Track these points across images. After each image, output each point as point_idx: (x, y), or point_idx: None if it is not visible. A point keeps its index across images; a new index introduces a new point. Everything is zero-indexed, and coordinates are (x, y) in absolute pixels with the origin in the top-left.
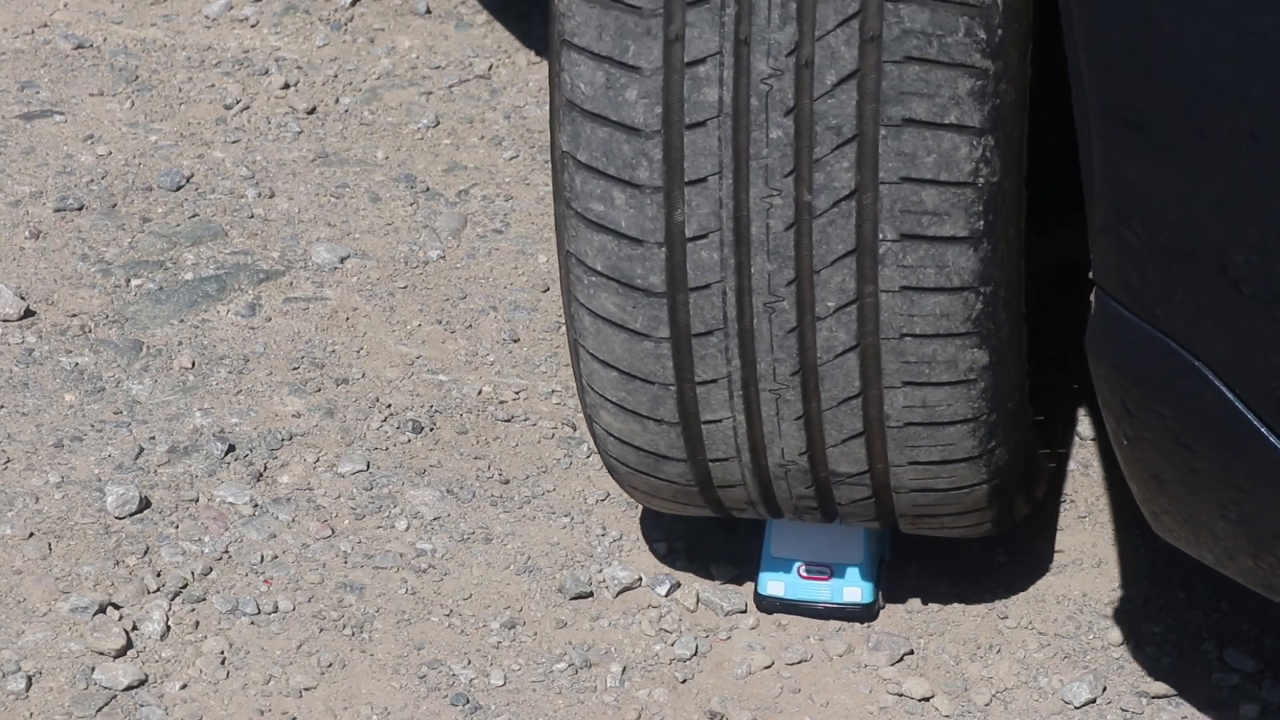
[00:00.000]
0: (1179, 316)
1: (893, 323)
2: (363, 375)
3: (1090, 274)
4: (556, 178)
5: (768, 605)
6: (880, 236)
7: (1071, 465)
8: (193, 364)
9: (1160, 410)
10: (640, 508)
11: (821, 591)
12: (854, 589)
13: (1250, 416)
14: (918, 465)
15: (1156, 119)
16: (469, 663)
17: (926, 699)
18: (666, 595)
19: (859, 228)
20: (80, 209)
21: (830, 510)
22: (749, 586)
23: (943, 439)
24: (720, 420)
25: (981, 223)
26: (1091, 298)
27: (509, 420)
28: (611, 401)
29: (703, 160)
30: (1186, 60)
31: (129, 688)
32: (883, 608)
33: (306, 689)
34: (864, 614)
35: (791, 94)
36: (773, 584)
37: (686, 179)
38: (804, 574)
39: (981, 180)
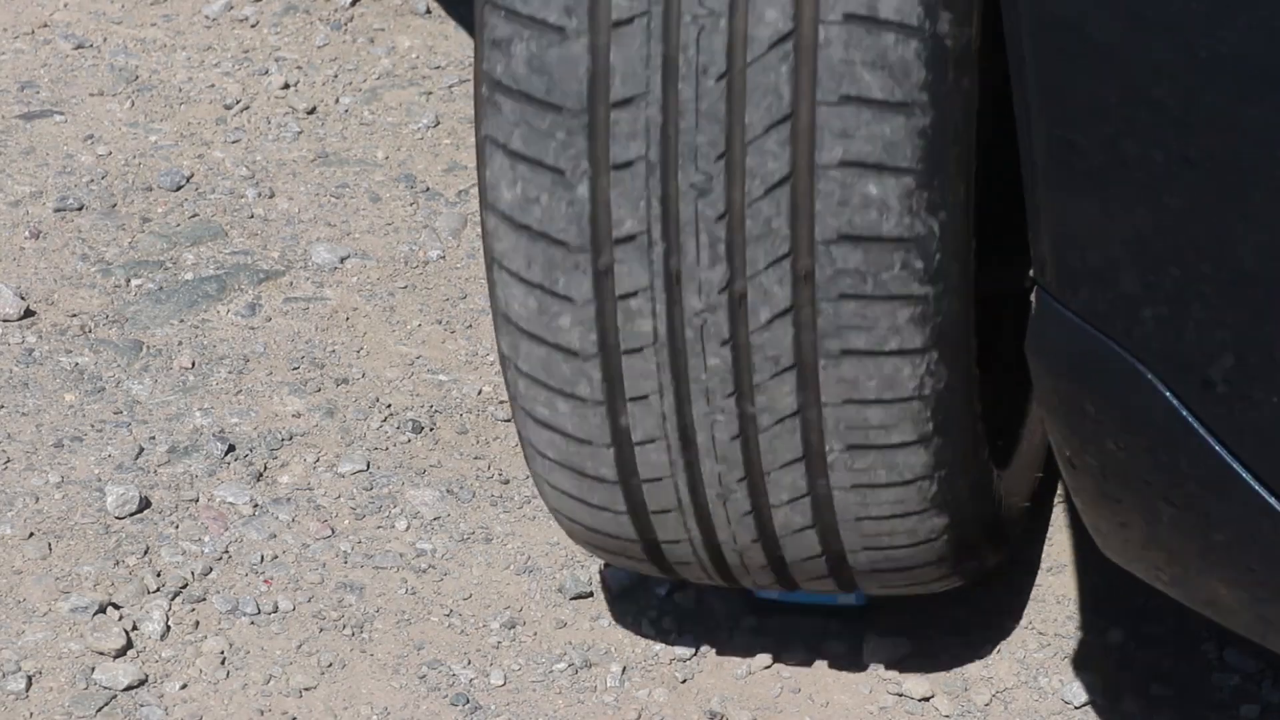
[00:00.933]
0: (1120, 316)
1: (848, 509)
2: (363, 375)
3: (1030, 273)
4: (503, 375)
5: (763, 606)
6: (828, 448)
7: None
8: (193, 364)
9: (1097, 409)
10: None
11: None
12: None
13: (1189, 417)
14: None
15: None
16: (469, 663)
17: (926, 699)
18: (666, 595)
19: (805, 440)
20: (80, 209)
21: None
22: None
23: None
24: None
25: (931, 425)
26: (1032, 297)
27: (509, 420)
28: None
29: (643, 381)
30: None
31: (129, 688)
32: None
33: (306, 689)
34: (859, 614)
35: (727, 327)
36: None
37: (628, 396)
38: None
39: (928, 390)
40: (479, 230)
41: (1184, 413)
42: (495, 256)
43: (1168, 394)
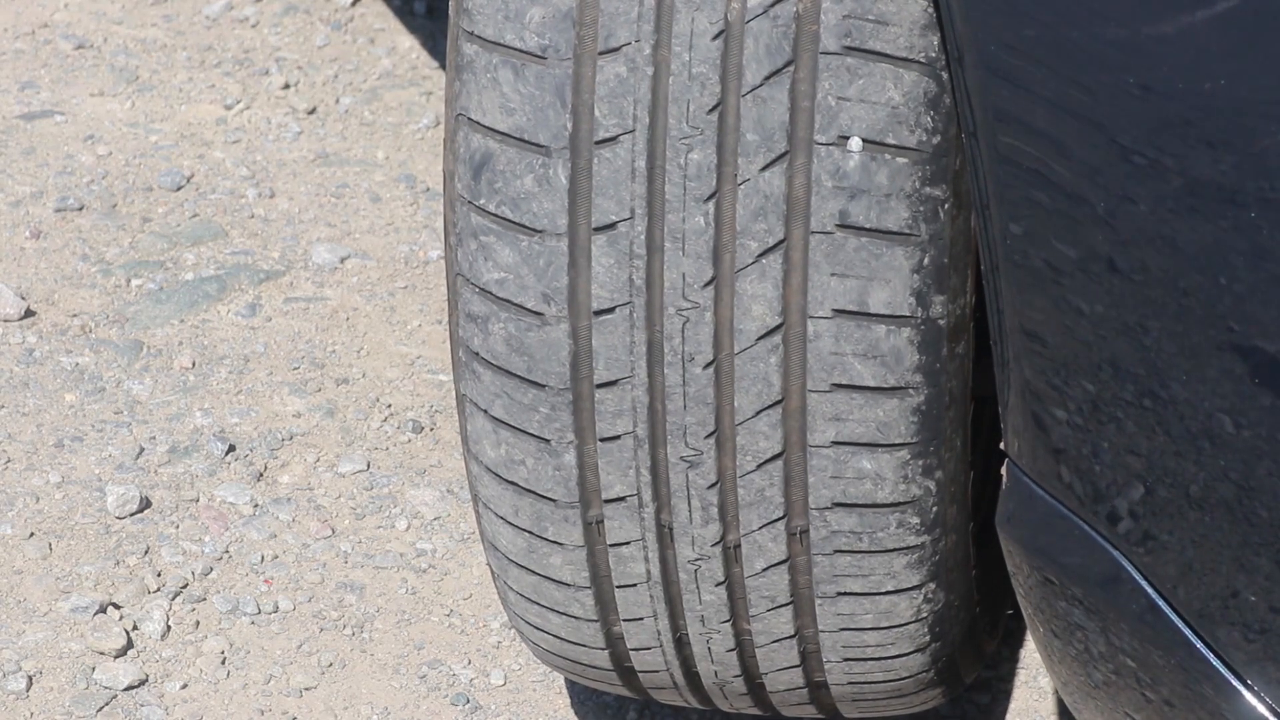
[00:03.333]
0: (1095, 500)
1: (843, 693)
2: (363, 375)
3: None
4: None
5: None
6: (825, 659)
7: None
8: (193, 364)
9: (1072, 592)
10: None
11: None
12: None
13: (1166, 609)
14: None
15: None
16: (469, 662)
17: None
18: None
19: (802, 652)
20: (81, 209)
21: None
22: None
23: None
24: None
25: (928, 636)
26: (1003, 470)
27: None
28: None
29: (637, 607)
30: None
31: (129, 687)
32: None
33: (307, 689)
34: None
35: (721, 571)
36: None
37: (623, 617)
38: None
39: (925, 614)
40: None
41: (1168, 611)
42: (481, 499)
43: (1150, 590)
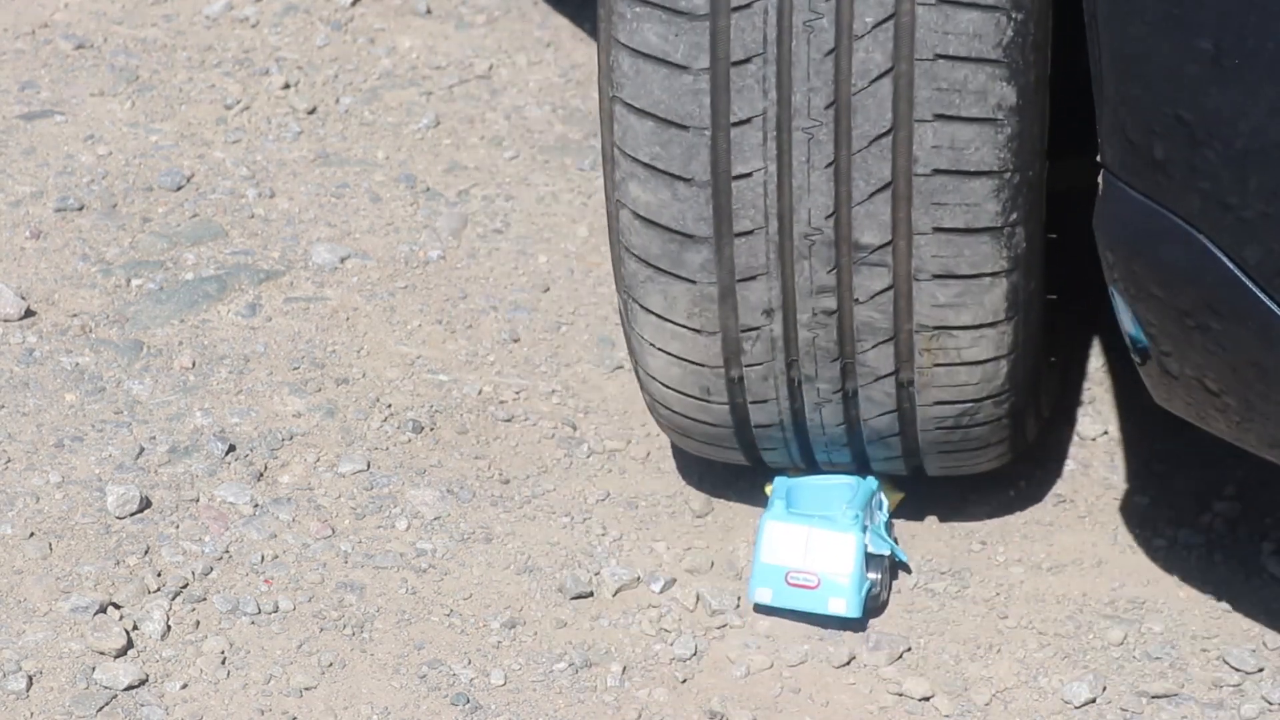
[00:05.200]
0: (1182, 192)
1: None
2: (363, 375)
3: (1098, 158)
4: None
5: (761, 610)
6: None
7: (1071, 465)
8: (193, 364)
9: (1164, 283)
10: (639, 507)
11: (806, 601)
12: (839, 600)
13: (1250, 285)
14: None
15: None
16: (469, 662)
17: (926, 699)
18: (667, 595)
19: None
20: (81, 209)
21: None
22: (749, 586)
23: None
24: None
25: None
26: (1099, 179)
27: (509, 420)
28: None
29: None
30: None
31: (129, 687)
32: (879, 595)
33: (307, 689)
34: (855, 624)
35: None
36: (761, 591)
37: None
38: (791, 581)
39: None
40: (479, 230)
41: (1242, 276)
42: (616, 93)
43: (1231, 264)
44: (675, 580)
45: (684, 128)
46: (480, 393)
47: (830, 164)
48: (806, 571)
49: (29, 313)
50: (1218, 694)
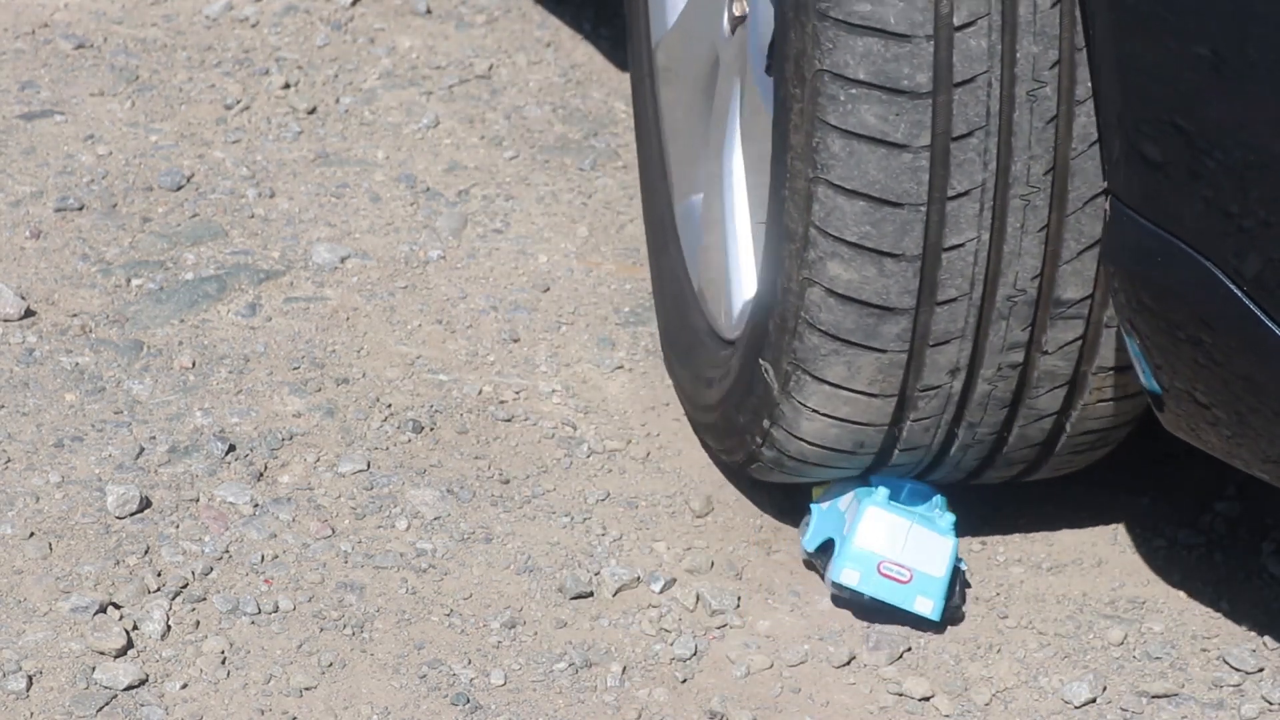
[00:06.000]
0: (1192, 222)
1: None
2: (363, 375)
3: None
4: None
5: (837, 593)
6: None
7: None
8: (193, 364)
9: (1173, 310)
10: (639, 507)
11: (895, 594)
12: (927, 601)
13: (1259, 314)
14: None
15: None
16: (469, 662)
17: (926, 699)
18: (667, 595)
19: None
20: (81, 209)
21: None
22: (749, 586)
23: None
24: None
25: None
26: (1106, 205)
27: (509, 420)
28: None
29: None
30: None
31: (129, 687)
32: (958, 606)
33: (307, 689)
34: (930, 624)
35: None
36: (849, 572)
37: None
38: (883, 571)
39: None
40: (479, 230)
41: (1256, 311)
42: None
43: (1240, 294)
44: (675, 580)
45: (899, 205)
46: (480, 393)
47: (1043, 227)
48: (901, 565)
49: (29, 313)
50: (1218, 694)
